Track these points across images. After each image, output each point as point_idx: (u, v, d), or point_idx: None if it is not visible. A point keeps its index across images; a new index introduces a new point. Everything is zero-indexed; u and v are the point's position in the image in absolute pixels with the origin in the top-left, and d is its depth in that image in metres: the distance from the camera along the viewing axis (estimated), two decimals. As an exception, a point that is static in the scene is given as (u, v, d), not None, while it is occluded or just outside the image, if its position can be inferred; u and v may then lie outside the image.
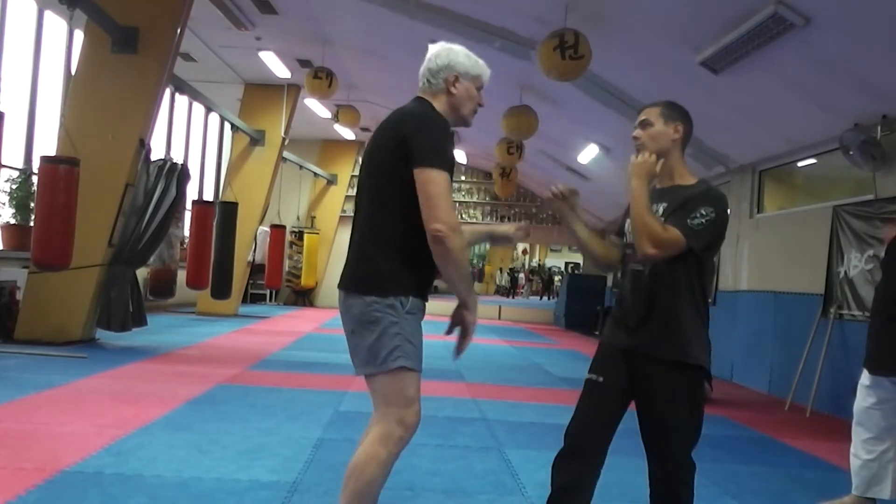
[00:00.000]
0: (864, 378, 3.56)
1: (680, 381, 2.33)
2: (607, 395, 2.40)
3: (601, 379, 2.41)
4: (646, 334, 2.35)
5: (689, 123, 2.49)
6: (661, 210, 2.38)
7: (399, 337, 2.27)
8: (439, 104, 2.39)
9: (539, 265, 37.91)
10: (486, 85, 2.48)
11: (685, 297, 2.35)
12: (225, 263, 11.44)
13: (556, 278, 32.49)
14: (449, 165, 2.24)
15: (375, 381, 2.32)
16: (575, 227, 2.57)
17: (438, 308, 19.69)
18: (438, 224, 2.17)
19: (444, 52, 2.42)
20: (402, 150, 2.23)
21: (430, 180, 2.19)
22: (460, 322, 2.41)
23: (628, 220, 2.49)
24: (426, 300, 2.39)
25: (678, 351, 2.32)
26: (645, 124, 2.47)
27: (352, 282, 2.33)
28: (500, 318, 18.71)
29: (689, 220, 2.28)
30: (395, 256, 2.27)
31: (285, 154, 14.19)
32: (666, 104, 2.51)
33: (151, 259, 8.82)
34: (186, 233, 11.37)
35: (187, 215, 11.18)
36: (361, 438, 2.39)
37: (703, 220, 2.28)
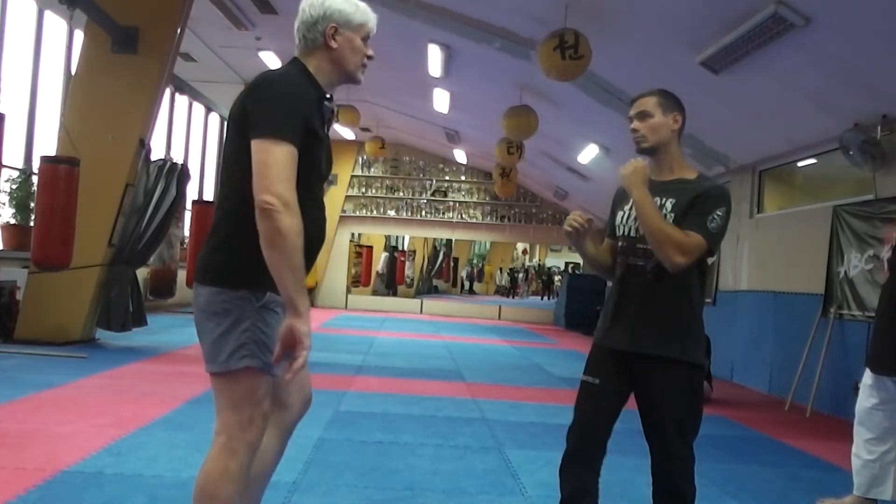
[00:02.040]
0: (867, 378, 3.56)
1: (682, 381, 2.34)
2: (606, 397, 2.39)
3: (598, 381, 2.39)
4: (649, 333, 2.32)
5: (685, 113, 2.45)
6: (668, 205, 2.33)
7: (247, 334, 1.96)
8: (316, 62, 2.08)
9: (539, 265, 37.91)
10: (373, 32, 2.16)
11: (687, 295, 2.36)
12: (225, 263, 11.42)
13: (556, 278, 32.49)
14: (290, 134, 1.88)
15: (218, 381, 2.02)
16: (587, 248, 2.49)
17: (437, 308, 19.72)
18: (267, 195, 1.82)
19: (314, 1, 2.08)
20: (244, 121, 1.93)
21: (263, 150, 1.86)
22: (287, 334, 1.89)
23: (620, 213, 2.47)
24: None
25: (680, 350, 2.33)
26: (644, 116, 2.39)
27: (201, 269, 2.02)
28: (500, 318, 18.71)
29: (708, 224, 2.27)
30: (249, 244, 1.90)
31: (285, 154, 14.17)
32: (662, 93, 2.44)
33: (151, 259, 8.82)
34: (186, 233, 11.36)
35: (187, 215, 11.17)
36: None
37: (720, 222, 2.29)
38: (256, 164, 1.87)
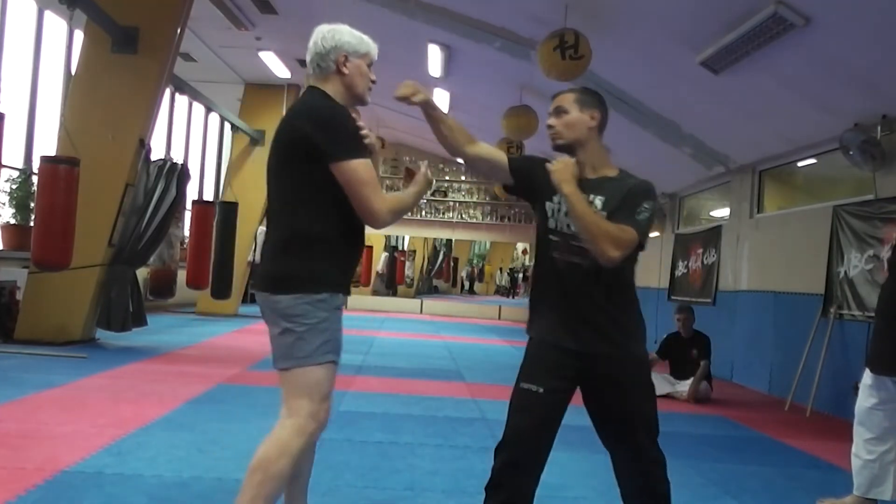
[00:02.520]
0: (867, 378, 3.56)
1: (641, 377, 2.36)
2: (548, 405, 2.29)
3: (541, 390, 2.29)
4: (600, 333, 2.29)
5: (605, 110, 2.42)
6: (598, 203, 2.30)
7: (328, 333, 2.29)
8: (332, 87, 2.38)
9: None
10: (375, 61, 2.49)
11: (628, 289, 2.39)
12: (225, 263, 11.44)
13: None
14: (361, 150, 2.26)
15: (294, 374, 2.29)
16: (440, 127, 2.42)
17: (437, 308, 19.71)
18: (374, 218, 2.27)
19: (329, 33, 2.40)
20: (307, 148, 2.23)
21: (350, 172, 2.22)
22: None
23: (549, 204, 2.39)
24: (346, 294, 2.42)
25: (635, 347, 2.35)
26: (559, 112, 2.39)
27: (278, 279, 2.30)
28: (500, 318, 18.71)
29: (637, 216, 2.27)
30: (321, 254, 2.29)
31: (285, 154, 14.19)
32: (581, 90, 2.43)
33: (151, 259, 8.82)
34: (186, 233, 11.37)
35: (187, 215, 11.18)
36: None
37: (648, 215, 2.29)
38: (350, 186, 2.23)
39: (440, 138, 2.45)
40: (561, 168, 2.31)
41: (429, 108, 2.38)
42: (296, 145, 2.25)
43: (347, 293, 2.39)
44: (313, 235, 2.27)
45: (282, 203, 2.34)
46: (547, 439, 2.31)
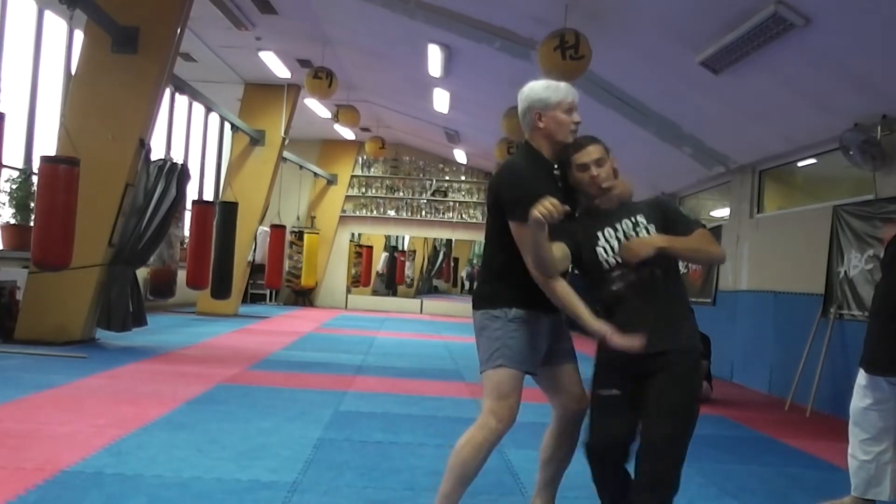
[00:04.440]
0: (861, 378, 3.56)
1: (691, 365, 2.55)
2: (628, 405, 2.52)
3: (619, 392, 2.53)
4: (669, 332, 2.51)
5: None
6: (642, 220, 2.56)
7: (499, 341, 2.65)
8: (537, 140, 2.71)
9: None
10: (575, 102, 2.69)
11: (683, 286, 2.71)
12: (225, 263, 11.44)
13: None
14: (519, 214, 2.47)
15: (483, 376, 2.69)
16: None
17: (437, 308, 19.71)
18: (533, 272, 2.54)
19: (522, 96, 2.72)
20: (496, 200, 2.66)
21: (516, 234, 2.55)
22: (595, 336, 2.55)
23: (599, 248, 2.58)
24: (536, 310, 2.66)
25: (690, 342, 2.59)
26: (601, 162, 2.60)
27: (474, 299, 2.82)
28: (500, 318, 18.68)
29: (689, 220, 2.61)
30: (497, 279, 2.73)
31: (285, 154, 14.20)
32: (597, 139, 2.66)
33: (151, 259, 8.82)
34: (186, 233, 11.37)
35: (187, 215, 11.18)
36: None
37: (689, 214, 2.53)
38: (519, 246, 2.56)
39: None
40: (638, 244, 2.48)
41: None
42: (491, 196, 2.70)
43: (529, 308, 2.64)
44: (493, 265, 2.76)
45: (487, 238, 2.82)
46: (632, 438, 2.54)
